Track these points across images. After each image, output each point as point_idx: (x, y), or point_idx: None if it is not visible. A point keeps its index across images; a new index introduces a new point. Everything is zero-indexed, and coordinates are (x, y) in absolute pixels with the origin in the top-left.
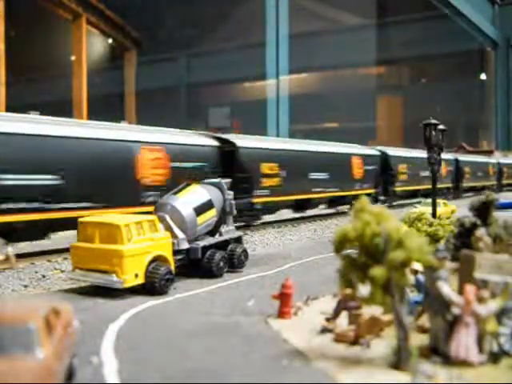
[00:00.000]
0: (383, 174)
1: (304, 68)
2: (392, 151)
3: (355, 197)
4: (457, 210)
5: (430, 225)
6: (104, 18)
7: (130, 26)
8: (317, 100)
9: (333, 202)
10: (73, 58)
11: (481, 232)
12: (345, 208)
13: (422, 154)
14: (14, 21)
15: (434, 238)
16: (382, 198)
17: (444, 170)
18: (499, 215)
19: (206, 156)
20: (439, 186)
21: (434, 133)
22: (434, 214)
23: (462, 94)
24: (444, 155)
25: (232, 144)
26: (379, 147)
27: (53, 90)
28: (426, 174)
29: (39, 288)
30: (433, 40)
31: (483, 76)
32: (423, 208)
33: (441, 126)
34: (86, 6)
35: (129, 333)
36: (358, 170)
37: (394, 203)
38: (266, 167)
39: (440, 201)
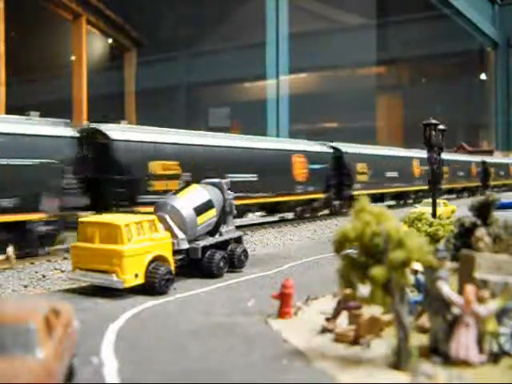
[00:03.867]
0: None
1: (304, 68)
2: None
3: None
4: (457, 209)
5: (430, 225)
6: (104, 17)
7: (129, 25)
8: (317, 100)
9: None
10: (73, 57)
11: (481, 232)
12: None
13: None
14: (14, 21)
15: (433, 238)
16: None
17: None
18: (499, 215)
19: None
20: (506, 182)
21: (434, 133)
22: (434, 214)
23: (462, 94)
24: (509, 159)
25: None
26: None
27: (53, 90)
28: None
29: (39, 288)
30: (433, 40)
31: (483, 76)
32: (423, 208)
33: (441, 126)
34: (86, 6)
35: (129, 333)
36: None
37: None
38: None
39: (440, 201)
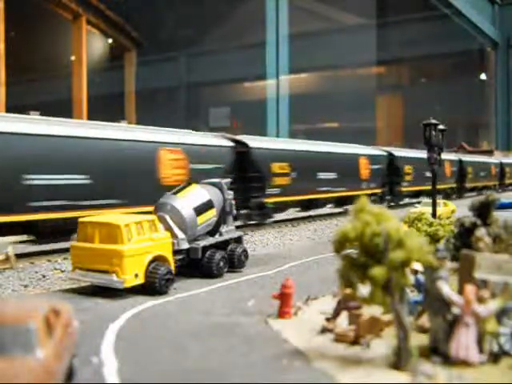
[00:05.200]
0: None
1: (304, 68)
2: None
3: None
4: (457, 209)
5: (430, 225)
6: (104, 18)
7: (129, 25)
8: (317, 100)
9: None
10: (73, 57)
11: (481, 232)
12: None
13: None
14: (14, 21)
15: (433, 238)
16: None
17: None
18: (499, 215)
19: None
20: None
21: (434, 133)
22: (434, 214)
23: (462, 94)
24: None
25: None
26: None
27: (53, 90)
28: None
29: (39, 288)
30: (433, 40)
31: (483, 76)
32: (423, 208)
33: (441, 126)
34: (86, 6)
35: (129, 333)
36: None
37: None
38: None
39: (440, 201)
